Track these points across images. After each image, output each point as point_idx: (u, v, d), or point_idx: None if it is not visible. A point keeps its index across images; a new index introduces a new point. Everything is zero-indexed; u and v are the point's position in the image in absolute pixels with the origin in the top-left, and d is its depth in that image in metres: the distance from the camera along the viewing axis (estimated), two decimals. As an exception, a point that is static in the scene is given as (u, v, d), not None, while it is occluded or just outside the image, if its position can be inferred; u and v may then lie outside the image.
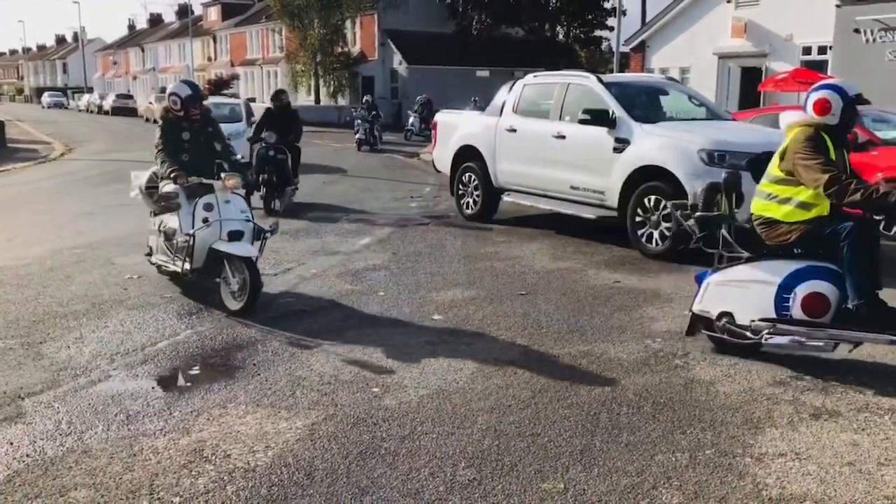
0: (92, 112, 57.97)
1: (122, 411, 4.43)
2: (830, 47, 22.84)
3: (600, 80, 9.49)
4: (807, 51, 23.88)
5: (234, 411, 4.44)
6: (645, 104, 9.55)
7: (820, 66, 22.74)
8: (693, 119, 9.47)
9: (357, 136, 24.56)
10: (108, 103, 55.19)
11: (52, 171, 19.11)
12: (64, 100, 71.83)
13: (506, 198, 10.71)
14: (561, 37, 43.21)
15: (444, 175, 12.06)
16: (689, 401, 4.57)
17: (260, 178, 11.48)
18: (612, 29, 43.21)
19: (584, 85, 9.64)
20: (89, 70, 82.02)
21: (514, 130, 10.31)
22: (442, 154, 11.84)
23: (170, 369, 5.17)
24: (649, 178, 8.53)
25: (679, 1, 27.53)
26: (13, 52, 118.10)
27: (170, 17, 77.53)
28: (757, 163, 7.96)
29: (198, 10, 63.45)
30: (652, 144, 8.49)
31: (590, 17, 42.12)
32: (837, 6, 21.96)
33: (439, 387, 4.80)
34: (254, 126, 13.50)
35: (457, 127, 11.52)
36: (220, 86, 52.84)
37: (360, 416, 4.37)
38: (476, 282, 7.54)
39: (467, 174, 11.22)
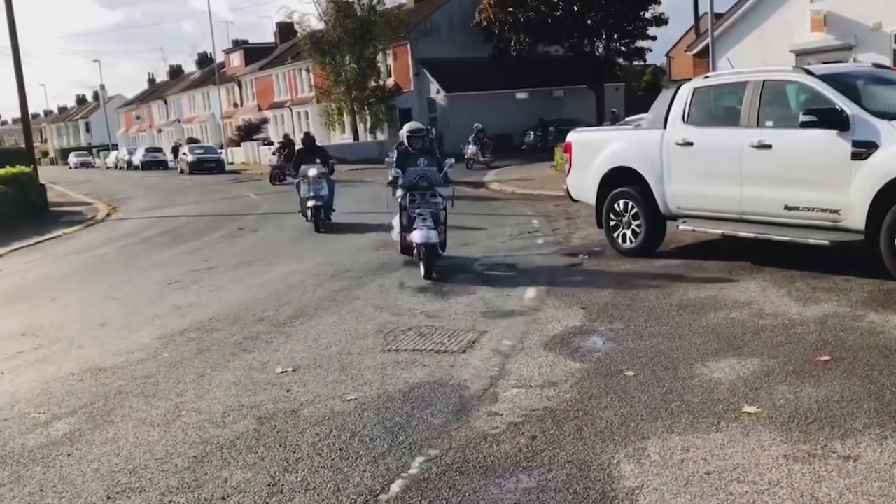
0: (122, 168, 56.93)
1: None
2: (931, 31, 20.97)
3: (811, 73, 7.68)
4: (900, 38, 21.96)
5: None
6: (878, 97, 7.72)
7: (916, 54, 20.82)
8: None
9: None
10: (137, 158, 54.08)
11: (106, 233, 17.56)
12: (90, 159, 71.12)
13: (682, 226, 8.88)
14: (601, 51, 41.49)
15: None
16: None
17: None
18: (654, 38, 41.78)
19: (791, 80, 7.84)
20: (112, 127, 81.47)
21: (690, 144, 8.50)
22: (581, 180, 10.03)
23: (442, 539, 3.35)
24: (910, 189, 6.68)
25: (745, 0, 25.79)
26: (35, 115, 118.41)
27: (190, 67, 76.90)
28: None
29: (219, 58, 62.63)
30: (918, 145, 6.62)
31: (630, 28, 40.41)
32: (941, -15, 20.09)
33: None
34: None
35: (602, 146, 9.72)
36: (250, 131, 51.95)
37: None
38: (738, 344, 5.68)
39: (622, 201, 9.40)
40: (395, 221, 9.74)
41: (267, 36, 66.39)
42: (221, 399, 5.30)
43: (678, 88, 9.02)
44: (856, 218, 7.05)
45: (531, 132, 37.14)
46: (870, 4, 21.95)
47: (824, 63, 7.89)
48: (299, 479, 4.00)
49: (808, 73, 7.69)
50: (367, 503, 3.71)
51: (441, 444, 4.31)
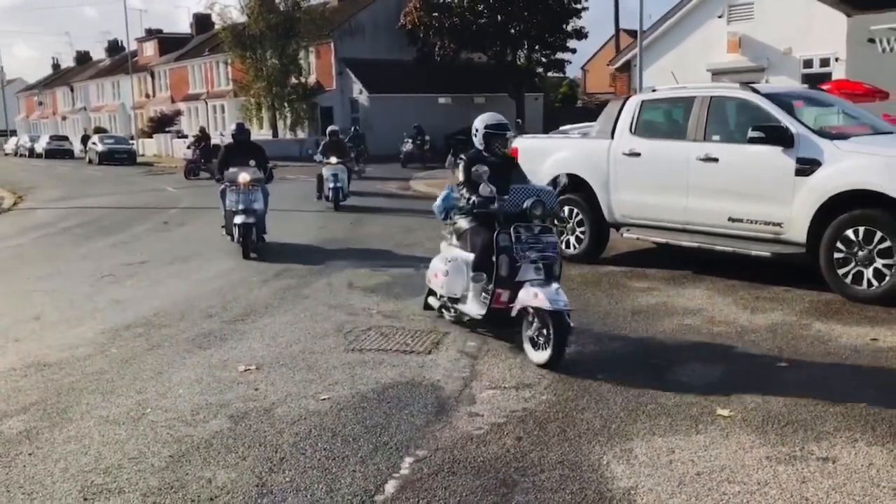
0: (22, 156, 54.21)
1: None
2: (837, 59, 22.18)
3: (756, 91, 8.00)
4: (808, 64, 23.19)
5: None
6: (817, 117, 8.11)
7: (822, 79, 22.00)
8: (881, 133, 7.98)
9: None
10: (40, 146, 51.53)
11: (17, 223, 16.68)
12: (-14, 144, 67.53)
13: (626, 234, 9.10)
14: (522, 61, 42.13)
15: None
16: None
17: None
18: (574, 51, 42.63)
19: (738, 98, 8.14)
20: (10, 112, 77.52)
21: (638, 154, 8.73)
22: (527, 186, 10.14)
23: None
24: (849, 206, 7.05)
25: (665, 19, 26.73)
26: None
27: (98, 53, 73.79)
28: None
29: (131, 46, 60.36)
30: (858, 165, 6.99)
31: (551, 39, 41.20)
32: (848, 16, 21.29)
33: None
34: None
35: (549, 153, 9.87)
36: (163, 123, 50.37)
37: None
38: (698, 349, 5.87)
39: (567, 207, 9.58)
40: (447, 264, 6.47)
41: (179, 27, 64.41)
42: (187, 397, 5.11)
43: (626, 100, 9.26)
44: (797, 231, 7.38)
45: (409, 140, 30.76)
46: (782, 31, 23.09)
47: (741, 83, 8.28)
48: (287, 479, 3.90)
49: (755, 91, 8.01)
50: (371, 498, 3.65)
51: (427, 445, 4.27)
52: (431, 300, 6.89)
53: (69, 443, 4.41)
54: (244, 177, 10.68)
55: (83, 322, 7.25)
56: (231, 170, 10.85)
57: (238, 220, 10.48)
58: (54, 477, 3.98)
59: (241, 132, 11.74)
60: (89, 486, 3.86)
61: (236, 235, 10.60)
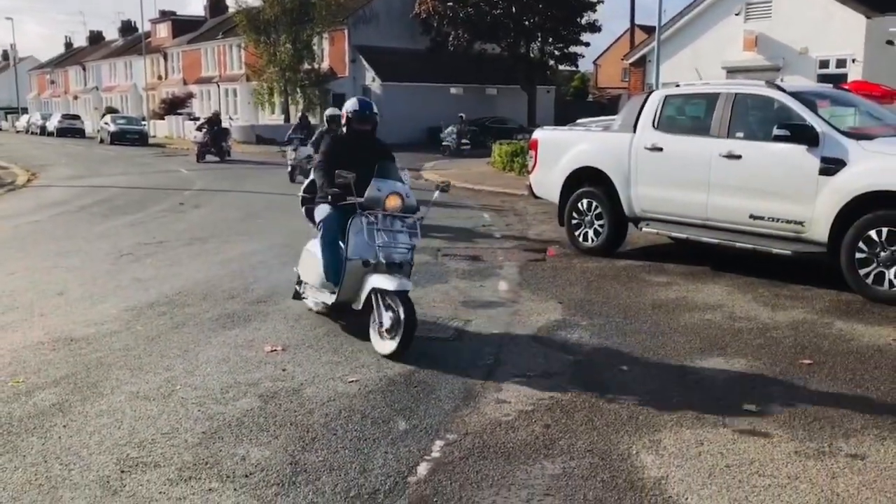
0: (34, 133, 54.31)
1: None
2: (854, 60, 22.10)
3: (782, 89, 8.00)
4: (824, 64, 23.12)
5: None
6: (842, 117, 8.10)
7: (838, 80, 21.91)
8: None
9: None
10: (52, 124, 51.63)
11: (33, 200, 16.74)
12: (-2, 120, 67.90)
13: (645, 228, 9.11)
14: (535, 53, 42.03)
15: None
16: None
17: None
18: (587, 45, 42.54)
19: (763, 95, 8.13)
20: (22, 89, 77.66)
21: (660, 149, 8.73)
22: (546, 178, 10.17)
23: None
24: (872, 207, 7.05)
25: (682, 15, 26.66)
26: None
27: (112, 34, 73.75)
28: None
29: (145, 27, 60.28)
30: (884, 166, 6.99)
31: (565, 32, 41.10)
32: (868, 17, 21.22)
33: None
34: None
35: (569, 145, 9.87)
36: (175, 105, 50.42)
37: None
38: (720, 344, 5.89)
39: (586, 200, 9.58)
40: None
41: (192, 9, 64.29)
42: (215, 375, 5.16)
43: (649, 94, 9.26)
44: (819, 231, 7.39)
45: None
46: (798, 30, 23.00)
47: (766, 81, 8.29)
48: (320, 458, 3.94)
49: (780, 89, 8.00)
50: (396, 484, 3.69)
51: (457, 429, 4.32)
52: None
53: (102, 416, 4.46)
54: (396, 201, 5.78)
55: (106, 299, 7.31)
56: (376, 184, 5.76)
57: (389, 284, 5.54)
58: (90, 449, 4.03)
59: (368, 117, 6.29)
60: (125, 458, 3.92)
61: (386, 322, 5.55)
